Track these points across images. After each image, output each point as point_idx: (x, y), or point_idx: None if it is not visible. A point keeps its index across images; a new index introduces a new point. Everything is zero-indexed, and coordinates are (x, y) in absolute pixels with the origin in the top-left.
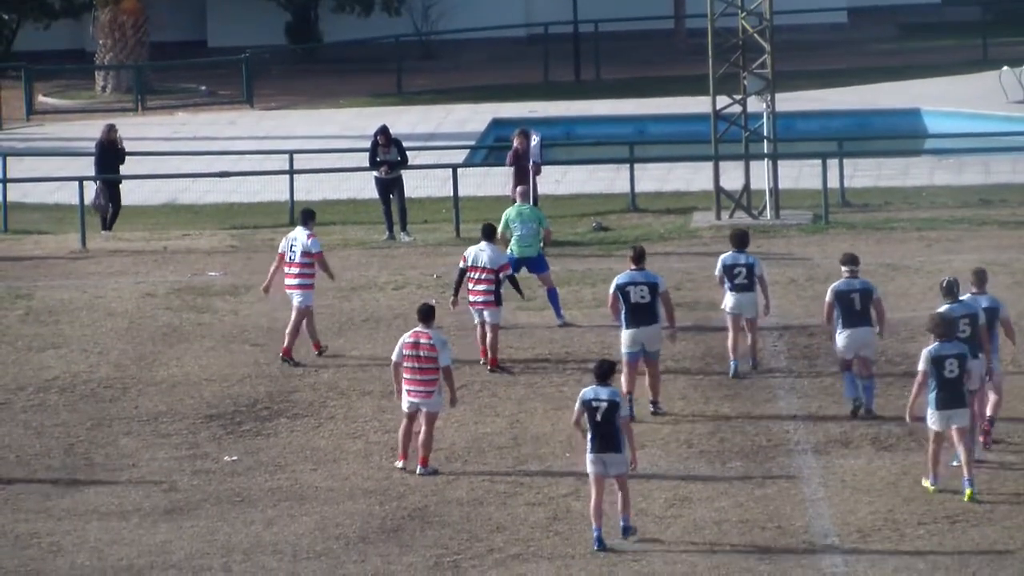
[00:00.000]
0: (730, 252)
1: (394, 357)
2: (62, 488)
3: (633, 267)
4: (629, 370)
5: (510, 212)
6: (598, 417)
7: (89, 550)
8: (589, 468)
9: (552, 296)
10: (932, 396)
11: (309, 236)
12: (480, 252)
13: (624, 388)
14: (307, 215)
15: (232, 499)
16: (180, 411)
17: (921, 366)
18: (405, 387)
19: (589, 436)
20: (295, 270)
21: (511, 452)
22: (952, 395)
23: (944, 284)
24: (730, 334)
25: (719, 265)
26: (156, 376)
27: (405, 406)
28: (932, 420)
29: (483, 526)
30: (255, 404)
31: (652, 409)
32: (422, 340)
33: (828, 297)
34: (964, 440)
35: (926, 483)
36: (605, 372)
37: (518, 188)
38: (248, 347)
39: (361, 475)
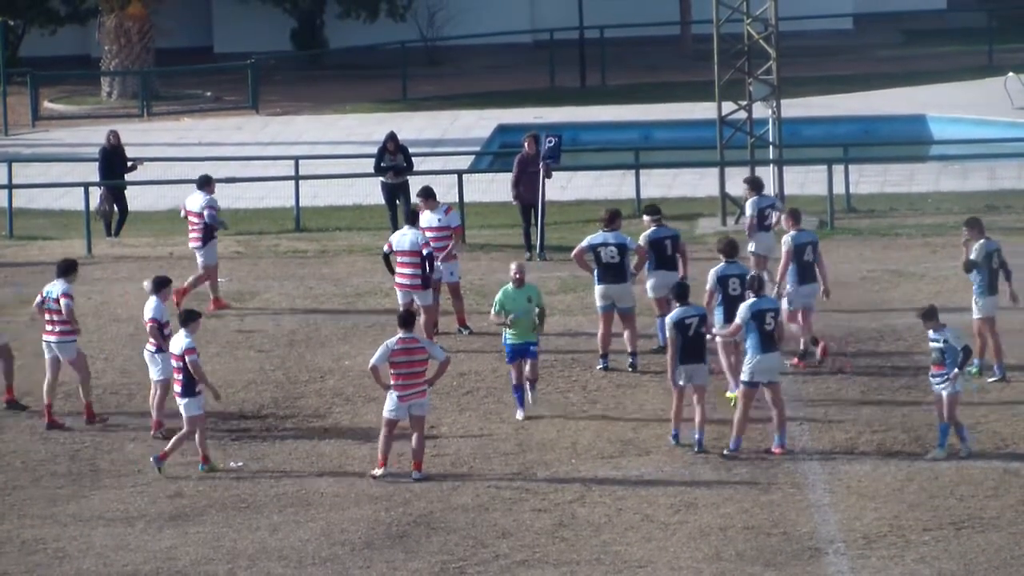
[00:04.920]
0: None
1: (376, 361)
2: (68, 494)
3: (605, 228)
4: (604, 324)
5: (505, 295)
6: (690, 332)
7: (95, 556)
8: (679, 380)
9: (531, 385)
10: (719, 311)
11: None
12: (403, 236)
13: (600, 347)
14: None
15: (238, 505)
16: None
17: (708, 286)
18: (397, 392)
19: (680, 351)
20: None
21: (517, 458)
22: (736, 309)
23: (724, 243)
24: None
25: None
26: None
27: (392, 413)
28: (719, 330)
29: (489, 532)
30: (260, 410)
31: (630, 361)
32: (412, 345)
33: (641, 241)
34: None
35: (729, 394)
36: (684, 293)
37: (513, 264)
38: (254, 353)
39: (366, 481)
